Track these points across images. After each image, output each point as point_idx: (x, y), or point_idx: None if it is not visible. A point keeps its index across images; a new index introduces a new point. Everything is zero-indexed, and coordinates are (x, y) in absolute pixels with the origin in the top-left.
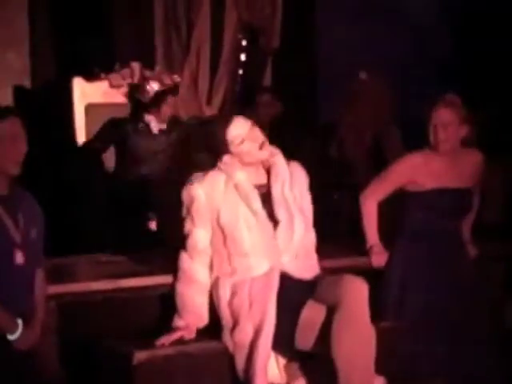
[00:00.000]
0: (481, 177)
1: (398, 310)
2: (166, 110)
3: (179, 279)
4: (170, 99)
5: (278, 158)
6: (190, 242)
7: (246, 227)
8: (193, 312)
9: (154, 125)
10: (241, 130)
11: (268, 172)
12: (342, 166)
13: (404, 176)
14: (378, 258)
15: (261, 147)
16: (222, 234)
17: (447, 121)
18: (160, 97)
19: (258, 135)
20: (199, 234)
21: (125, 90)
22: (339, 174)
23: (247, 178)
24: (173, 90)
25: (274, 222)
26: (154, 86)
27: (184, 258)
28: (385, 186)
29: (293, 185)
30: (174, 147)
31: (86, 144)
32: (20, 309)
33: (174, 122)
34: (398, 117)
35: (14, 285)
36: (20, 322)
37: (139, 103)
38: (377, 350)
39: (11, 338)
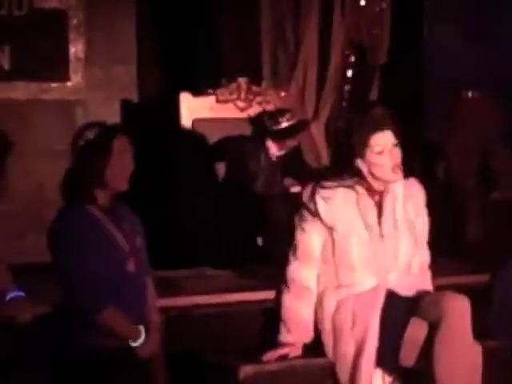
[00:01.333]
0: None
1: (506, 328)
2: (291, 143)
3: (288, 291)
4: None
5: None
6: (303, 249)
7: (358, 241)
8: (302, 325)
9: (274, 152)
10: (387, 141)
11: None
12: (449, 186)
13: None
14: None
15: (394, 169)
16: (332, 245)
17: None
18: (289, 133)
19: (398, 156)
20: (314, 241)
21: (232, 105)
22: (446, 194)
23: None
24: (303, 129)
25: (382, 237)
26: (286, 123)
27: (294, 267)
28: None
29: (406, 201)
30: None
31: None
32: (137, 317)
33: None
34: (507, 136)
35: (129, 294)
36: (142, 328)
37: (264, 128)
38: (484, 370)
39: (135, 344)
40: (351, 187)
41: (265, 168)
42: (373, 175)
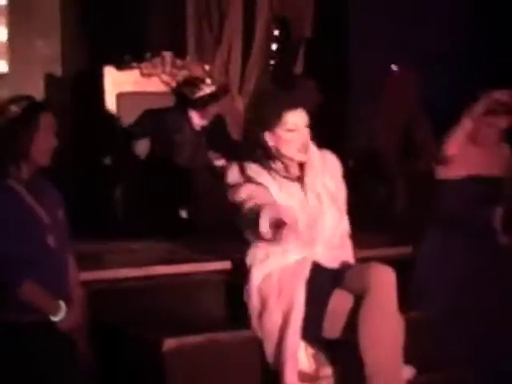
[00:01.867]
0: (510, 169)
1: (428, 299)
2: (213, 110)
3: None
4: (221, 101)
5: (312, 149)
6: (257, 195)
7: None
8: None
9: (197, 122)
10: (299, 121)
11: (300, 164)
12: (373, 156)
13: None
14: None
15: (300, 149)
16: None
17: (503, 127)
18: (210, 99)
19: (307, 136)
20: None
21: (156, 78)
22: (370, 164)
23: (285, 171)
24: (224, 93)
25: (308, 211)
26: (206, 89)
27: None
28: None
29: (324, 173)
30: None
31: (123, 131)
32: (58, 291)
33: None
34: (427, 107)
35: (49, 268)
36: (62, 303)
37: (185, 98)
38: (405, 340)
39: (55, 319)
40: (272, 168)
41: (189, 139)
42: (278, 150)
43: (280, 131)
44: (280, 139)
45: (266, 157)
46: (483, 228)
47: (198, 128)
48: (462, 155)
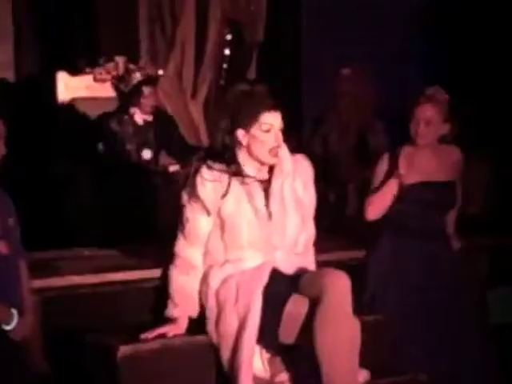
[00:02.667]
0: (461, 173)
1: (381, 303)
2: (146, 101)
3: (176, 267)
4: (148, 90)
5: (284, 153)
6: (190, 229)
7: (246, 223)
8: (188, 299)
9: (138, 116)
10: (276, 122)
11: (271, 166)
12: (326, 161)
13: (389, 175)
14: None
15: (271, 151)
16: (220, 225)
17: (430, 117)
18: (139, 88)
19: (280, 139)
20: (201, 221)
21: (109, 83)
22: (323, 169)
23: (253, 173)
24: (150, 80)
25: (270, 216)
26: (137, 76)
27: (182, 245)
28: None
29: (295, 178)
30: (160, 140)
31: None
32: (10, 300)
33: (160, 115)
34: (382, 113)
35: (1, 276)
36: (15, 311)
37: (124, 95)
38: (361, 344)
39: (7, 327)
40: (237, 170)
41: (133, 134)
42: (249, 151)
43: (254, 130)
44: (253, 139)
45: (231, 159)
46: (434, 232)
47: (140, 122)
48: (413, 164)
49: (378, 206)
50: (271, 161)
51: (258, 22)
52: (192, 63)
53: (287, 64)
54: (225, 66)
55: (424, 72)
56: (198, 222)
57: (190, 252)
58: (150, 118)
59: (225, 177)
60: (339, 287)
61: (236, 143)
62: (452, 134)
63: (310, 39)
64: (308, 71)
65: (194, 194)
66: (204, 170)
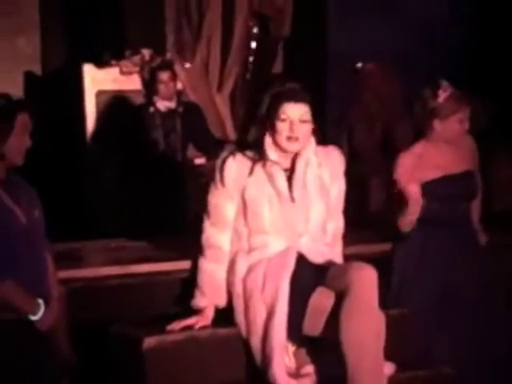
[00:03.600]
0: (476, 161)
1: (408, 297)
2: (164, 87)
3: (205, 256)
4: (164, 75)
5: (308, 144)
6: (218, 214)
7: (269, 205)
8: (217, 288)
9: (160, 103)
10: (294, 113)
11: (293, 158)
12: (351, 156)
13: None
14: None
15: (288, 139)
16: (243, 210)
17: (464, 117)
18: (154, 74)
19: (299, 130)
20: (228, 206)
21: (135, 76)
22: (348, 164)
23: (278, 160)
24: (165, 65)
25: (293, 202)
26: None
27: (210, 232)
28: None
29: (323, 167)
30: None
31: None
32: (37, 290)
33: (186, 104)
34: (409, 108)
35: (27, 267)
36: (41, 302)
37: (147, 85)
38: (386, 337)
39: (34, 318)
40: (260, 156)
41: (159, 123)
42: (273, 139)
43: (275, 121)
44: (273, 128)
45: (259, 147)
46: (460, 226)
47: (163, 109)
48: (426, 160)
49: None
50: (289, 147)
51: (285, 16)
52: (218, 57)
53: (313, 59)
54: (251, 59)
55: (452, 67)
56: (225, 207)
57: (219, 238)
58: (172, 104)
59: (250, 161)
60: (366, 280)
61: (265, 132)
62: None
63: (337, 34)
64: (334, 66)
65: (221, 180)
66: (231, 157)
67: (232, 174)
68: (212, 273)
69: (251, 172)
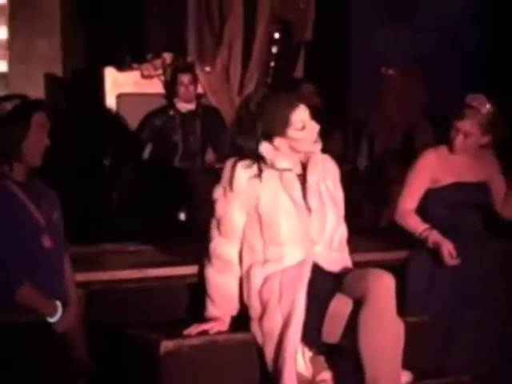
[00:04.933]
0: (498, 174)
1: (425, 304)
2: (184, 89)
3: (212, 266)
4: (184, 77)
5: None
6: (225, 224)
7: (285, 216)
8: (227, 298)
9: (180, 105)
10: (304, 116)
11: (303, 162)
12: (372, 160)
13: (426, 176)
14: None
15: (315, 140)
16: (258, 222)
17: (469, 131)
18: (175, 75)
19: (316, 128)
20: (237, 216)
21: (156, 80)
22: (368, 169)
23: (291, 167)
24: (185, 68)
25: (309, 211)
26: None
27: (217, 242)
28: (413, 195)
29: (325, 176)
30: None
31: (125, 145)
32: (54, 292)
33: (206, 107)
34: (430, 114)
35: (45, 269)
36: (59, 304)
37: (166, 85)
38: (404, 345)
39: (51, 320)
40: (273, 162)
41: (177, 124)
42: (292, 149)
43: (291, 132)
44: (293, 139)
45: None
46: (471, 234)
47: (183, 110)
48: (443, 164)
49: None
50: (315, 149)
51: (307, 21)
52: (239, 61)
53: (335, 64)
54: (272, 64)
55: (473, 73)
56: (233, 217)
57: (226, 248)
58: (192, 106)
59: (259, 169)
60: (384, 288)
61: (274, 148)
62: (490, 143)
63: (359, 38)
64: (356, 71)
65: (229, 189)
66: (240, 164)
67: (242, 181)
68: (221, 283)
69: (263, 180)
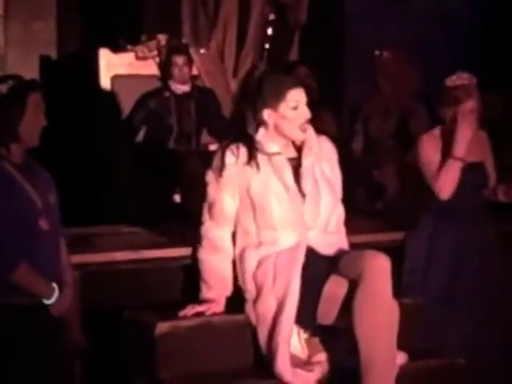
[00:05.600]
0: (489, 152)
1: (421, 285)
2: (179, 70)
3: (204, 248)
4: (178, 59)
5: (310, 132)
6: (216, 209)
7: (277, 200)
8: (221, 280)
9: (175, 87)
10: (300, 98)
11: (297, 145)
12: (367, 143)
13: (435, 152)
14: None
15: (301, 127)
16: (251, 206)
17: (474, 107)
18: (169, 57)
19: (307, 114)
20: (227, 201)
21: (151, 61)
22: (364, 151)
23: (280, 151)
24: (179, 49)
25: (303, 195)
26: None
27: (209, 226)
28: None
29: (321, 159)
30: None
31: (120, 127)
32: (50, 274)
33: (200, 89)
34: (424, 96)
35: (42, 251)
36: (55, 286)
37: (163, 70)
38: (399, 326)
39: (48, 302)
40: (263, 146)
41: (176, 108)
42: (277, 129)
43: (283, 109)
44: (281, 117)
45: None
46: (472, 213)
47: (178, 92)
48: (449, 147)
49: (450, 187)
50: (301, 136)
51: (302, 3)
52: (234, 43)
53: (330, 47)
54: (267, 46)
55: (467, 55)
56: (224, 202)
57: (217, 233)
58: (187, 88)
59: (251, 153)
60: (379, 268)
61: (261, 123)
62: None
63: (354, 22)
64: (351, 54)
65: (220, 174)
66: (230, 149)
67: (232, 168)
68: (213, 264)
69: (254, 165)
